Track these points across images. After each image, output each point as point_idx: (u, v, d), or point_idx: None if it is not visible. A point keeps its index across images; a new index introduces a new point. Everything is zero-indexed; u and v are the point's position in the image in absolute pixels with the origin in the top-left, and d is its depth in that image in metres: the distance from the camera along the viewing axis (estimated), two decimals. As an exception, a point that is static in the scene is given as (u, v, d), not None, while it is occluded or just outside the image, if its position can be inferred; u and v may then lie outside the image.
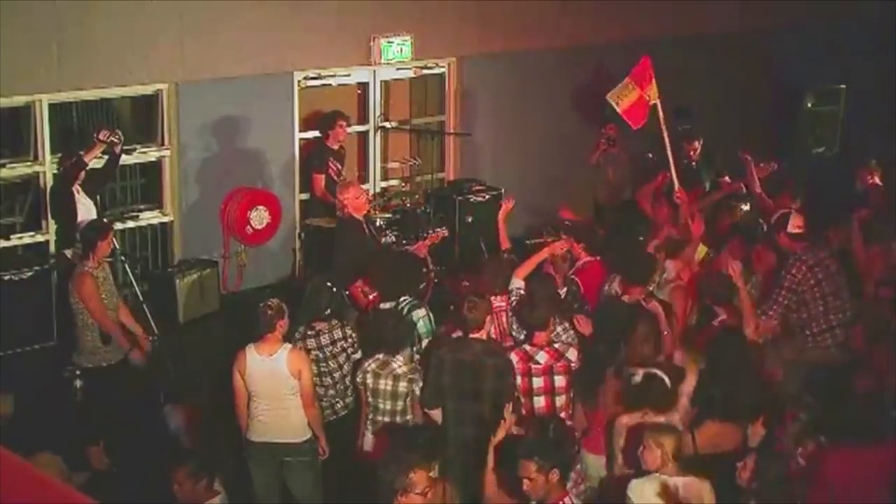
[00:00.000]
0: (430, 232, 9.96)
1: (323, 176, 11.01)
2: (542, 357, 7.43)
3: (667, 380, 7.15)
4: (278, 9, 11.11)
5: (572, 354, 7.48)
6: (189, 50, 10.70)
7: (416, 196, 12.18)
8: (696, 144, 11.50)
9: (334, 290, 8.08)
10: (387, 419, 7.56)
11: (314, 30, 11.39)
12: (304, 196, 11.61)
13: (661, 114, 10.04)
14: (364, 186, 12.10)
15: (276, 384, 7.37)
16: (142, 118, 11.18)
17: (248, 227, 11.06)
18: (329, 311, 7.93)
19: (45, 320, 9.76)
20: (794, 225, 8.57)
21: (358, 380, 7.66)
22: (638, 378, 7.18)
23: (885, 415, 6.64)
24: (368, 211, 9.91)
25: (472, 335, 7.34)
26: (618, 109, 9.98)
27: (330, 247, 10.58)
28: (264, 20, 11.04)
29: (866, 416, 6.53)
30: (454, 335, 7.75)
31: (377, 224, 10.52)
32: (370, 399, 7.59)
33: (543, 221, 12.22)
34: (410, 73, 12.47)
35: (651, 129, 12.58)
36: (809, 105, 13.60)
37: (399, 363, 7.56)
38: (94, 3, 10.14)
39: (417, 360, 7.82)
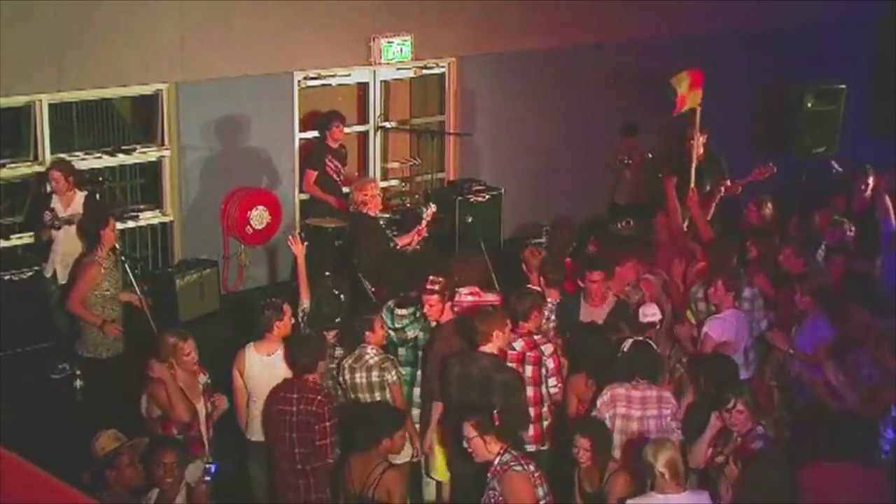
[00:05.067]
0: (424, 211, 10.03)
1: (315, 172, 11.02)
2: (518, 345, 7.49)
3: (656, 348, 7.17)
4: (278, 9, 11.11)
5: (547, 349, 7.50)
6: (189, 50, 10.70)
7: (416, 196, 12.17)
8: (702, 139, 11.37)
9: (341, 297, 8.05)
10: None
11: (314, 30, 11.39)
12: (305, 196, 11.61)
13: (696, 120, 10.16)
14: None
15: (274, 384, 7.36)
16: (142, 118, 11.19)
17: (248, 227, 11.06)
18: (339, 319, 7.92)
19: (45, 320, 9.75)
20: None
21: (340, 379, 7.64)
22: (627, 346, 7.18)
23: (870, 435, 6.57)
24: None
25: (480, 348, 7.23)
26: (677, 91, 9.89)
27: (331, 247, 10.60)
28: (264, 20, 11.04)
29: (852, 434, 6.43)
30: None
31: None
32: (351, 396, 7.59)
33: (543, 221, 12.25)
34: (410, 73, 12.47)
35: (651, 129, 12.63)
36: (809, 105, 13.58)
37: (371, 354, 7.54)
38: (94, 4, 10.14)
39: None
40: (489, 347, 7.20)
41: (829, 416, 7.23)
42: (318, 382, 7.17)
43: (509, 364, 7.40)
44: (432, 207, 10.06)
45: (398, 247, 9.59)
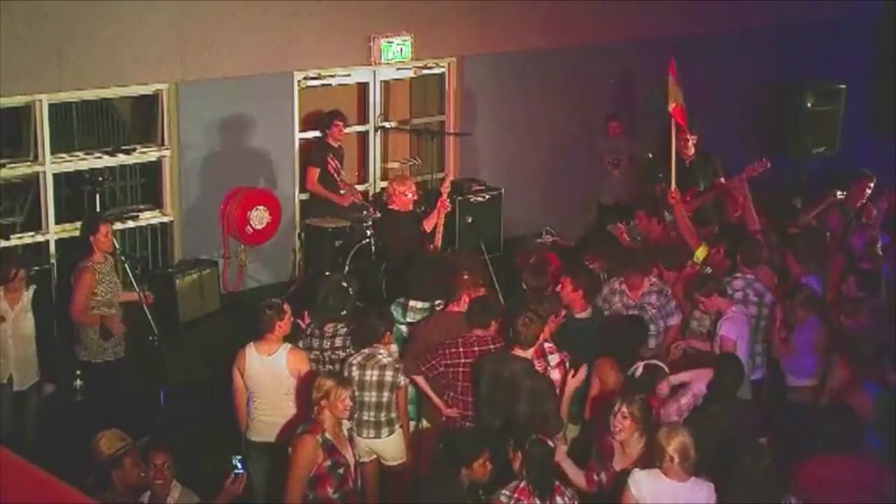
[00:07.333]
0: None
1: (318, 170, 11.05)
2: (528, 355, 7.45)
3: (667, 369, 7.18)
4: (278, 9, 11.11)
5: (553, 359, 7.46)
6: (189, 50, 10.70)
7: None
8: (693, 139, 11.39)
9: (350, 290, 8.04)
10: (372, 413, 7.54)
11: (314, 30, 11.39)
12: (304, 196, 11.62)
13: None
14: (363, 186, 12.18)
15: (275, 384, 7.37)
16: (142, 118, 11.18)
17: (248, 227, 11.06)
18: (345, 312, 7.91)
19: (46, 320, 9.74)
20: None
21: (346, 375, 7.64)
22: (639, 371, 7.22)
23: (857, 428, 6.62)
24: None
25: (516, 352, 7.28)
26: (669, 109, 10.03)
27: (331, 247, 10.62)
28: (264, 20, 11.04)
29: (838, 427, 6.53)
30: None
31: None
32: (356, 392, 7.57)
33: (543, 221, 12.27)
34: (410, 73, 12.47)
35: (650, 129, 12.63)
36: (809, 105, 13.60)
37: (384, 354, 7.56)
38: (95, 4, 10.13)
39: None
40: (528, 353, 7.21)
41: (815, 411, 7.32)
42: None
43: None
44: (448, 177, 10.10)
45: (427, 233, 9.58)
